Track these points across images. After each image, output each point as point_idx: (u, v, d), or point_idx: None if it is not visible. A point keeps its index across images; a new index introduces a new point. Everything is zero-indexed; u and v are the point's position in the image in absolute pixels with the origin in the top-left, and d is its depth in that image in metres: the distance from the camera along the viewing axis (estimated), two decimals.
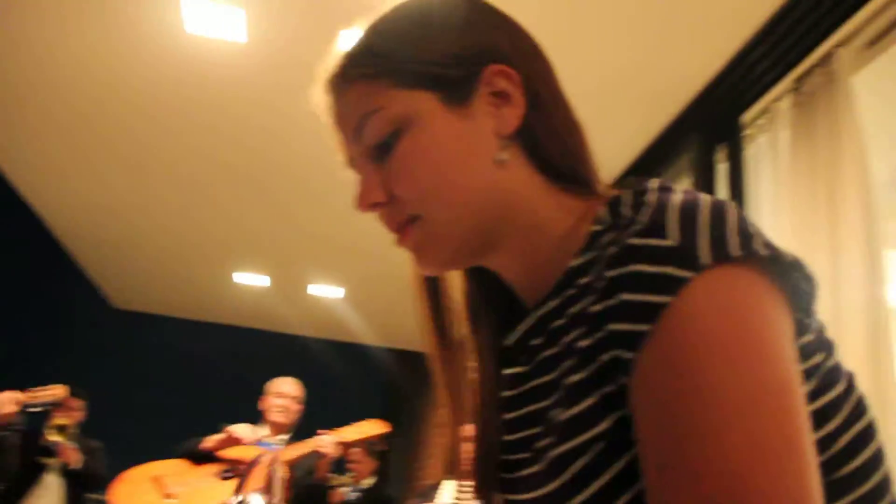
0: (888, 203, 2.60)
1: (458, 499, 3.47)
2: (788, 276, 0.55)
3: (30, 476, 4.01)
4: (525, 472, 0.63)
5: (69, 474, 4.10)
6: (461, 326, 0.74)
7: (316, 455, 3.27)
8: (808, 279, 0.56)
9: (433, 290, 0.75)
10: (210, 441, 3.15)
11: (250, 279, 6.25)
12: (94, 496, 4.21)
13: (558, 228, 0.66)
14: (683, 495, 0.49)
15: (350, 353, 7.29)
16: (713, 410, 0.49)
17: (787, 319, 0.54)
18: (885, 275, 2.11)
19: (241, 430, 3.19)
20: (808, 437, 0.50)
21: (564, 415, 0.58)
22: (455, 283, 0.75)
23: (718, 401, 0.49)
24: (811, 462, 0.49)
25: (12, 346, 5.00)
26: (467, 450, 0.71)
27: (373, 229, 0.74)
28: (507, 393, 0.69)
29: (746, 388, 0.49)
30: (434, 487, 3.87)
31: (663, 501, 0.50)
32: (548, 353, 0.64)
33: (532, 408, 0.65)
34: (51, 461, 4.05)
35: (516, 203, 0.66)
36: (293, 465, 3.19)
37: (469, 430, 0.72)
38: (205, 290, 6.74)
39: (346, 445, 3.36)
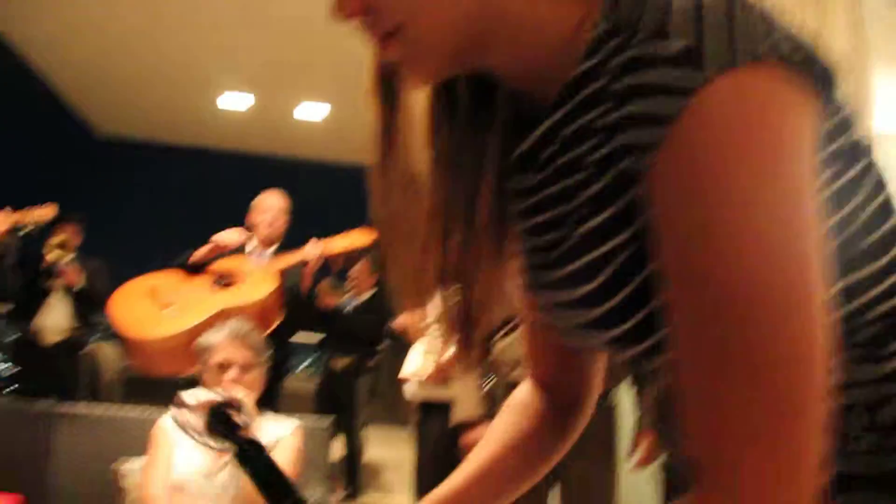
0: None
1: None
2: (810, 68, 0.53)
3: (35, 297, 4.14)
4: (553, 275, 0.65)
5: (73, 294, 4.22)
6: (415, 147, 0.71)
7: (303, 265, 3.39)
8: (828, 67, 0.55)
9: (390, 95, 0.71)
10: (199, 252, 3.24)
11: (235, 99, 6.16)
12: (97, 313, 4.37)
13: (556, 32, 0.62)
14: (696, 297, 0.51)
15: (336, 174, 7.33)
16: (724, 212, 0.50)
17: (809, 119, 0.53)
18: None
19: (225, 235, 3.27)
20: (817, 242, 0.51)
21: (584, 227, 0.59)
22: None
23: (730, 204, 0.50)
24: (817, 267, 0.51)
25: None
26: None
27: (358, 40, 0.70)
28: (521, 204, 0.69)
29: (760, 192, 0.50)
30: None
31: (678, 305, 0.52)
32: (561, 160, 0.63)
33: (552, 213, 0.65)
34: (54, 282, 4.15)
35: (506, 3, 0.62)
36: (283, 274, 3.31)
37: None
38: (189, 113, 6.68)
39: (335, 255, 3.44)
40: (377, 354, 5.47)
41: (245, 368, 2.30)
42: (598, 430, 2.59)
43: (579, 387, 0.86)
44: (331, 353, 5.25)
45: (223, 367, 2.29)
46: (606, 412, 2.65)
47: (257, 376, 2.34)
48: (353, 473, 5.06)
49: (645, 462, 2.64)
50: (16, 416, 2.59)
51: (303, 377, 6.41)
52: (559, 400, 0.87)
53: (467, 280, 0.70)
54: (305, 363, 7.21)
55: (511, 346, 2.61)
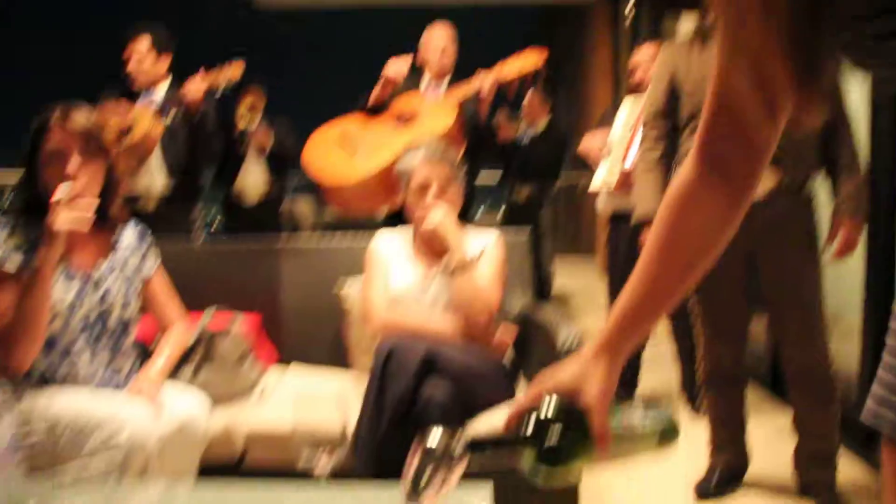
0: None
1: (631, 114, 3.55)
2: None
3: (233, 160, 4.41)
4: None
5: (266, 155, 4.45)
6: None
7: (476, 98, 3.40)
8: None
9: None
10: (375, 92, 3.32)
11: None
12: (290, 171, 4.62)
13: None
14: None
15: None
16: None
17: None
18: None
19: (392, 67, 3.30)
20: None
21: None
22: None
23: None
24: None
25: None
26: None
27: None
28: None
29: None
30: (610, 112, 3.96)
31: None
32: None
33: None
34: (248, 145, 4.39)
35: None
36: (461, 106, 3.35)
37: None
38: None
39: (509, 80, 3.42)
40: (557, 183, 5.51)
41: (444, 185, 2.41)
42: (799, 220, 2.54)
43: (754, 163, 0.89)
44: (511, 186, 5.34)
45: (423, 187, 2.41)
46: (806, 202, 2.57)
47: (456, 192, 2.45)
48: (544, 301, 5.21)
49: (843, 252, 2.57)
50: (249, 251, 2.87)
51: (486, 218, 6.56)
52: (730, 179, 0.89)
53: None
54: (487, 203, 7.37)
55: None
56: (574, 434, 0.83)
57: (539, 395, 0.87)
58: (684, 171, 0.92)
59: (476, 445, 0.83)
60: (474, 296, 2.28)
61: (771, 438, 3.16)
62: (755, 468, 2.85)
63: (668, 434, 0.94)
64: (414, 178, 2.42)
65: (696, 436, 3.30)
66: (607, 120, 3.95)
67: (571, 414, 0.85)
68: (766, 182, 2.46)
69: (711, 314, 2.71)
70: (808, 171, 2.53)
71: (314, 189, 4.09)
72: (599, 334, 0.91)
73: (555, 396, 0.86)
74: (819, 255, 2.57)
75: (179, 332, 2.25)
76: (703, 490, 2.75)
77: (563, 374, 0.89)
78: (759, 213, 2.52)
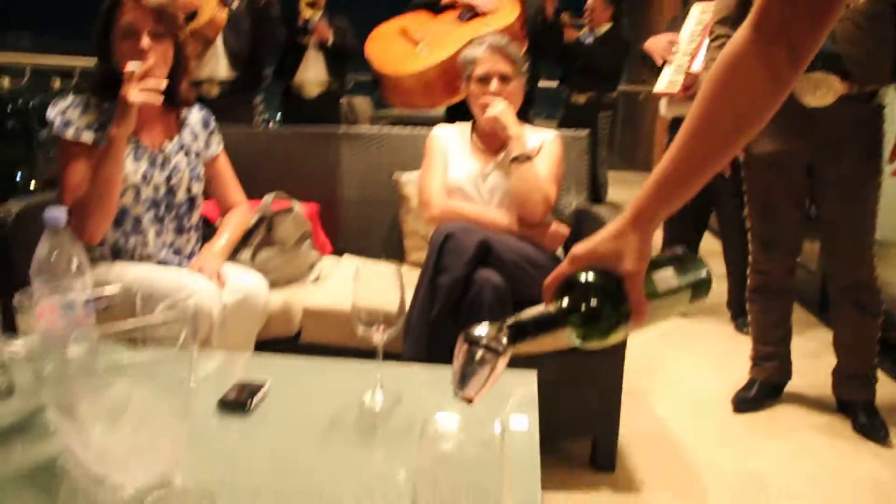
0: None
1: (700, 21, 3.45)
2: None
3: (295, 53, 4.42)
4: None
5: (326, 49, 4.45)
6: None
7: None
8: None
9: None
10: None
11: None
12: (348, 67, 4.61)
13: None
14: None
15: None
16: None
17: None
18: None
19: None
20: None
21: None
22: None
23: None
24: None
25: None
26: None
27: None
28: None
29: None
30: (680, 17, 3.85)
31: None
32: None
33: None
34: (309, 38, 4.39)
35: None
36: (524, 1, 3.29)
37: None
38: None
39: None
40: (616, 90, 5.41)
41: (505, 79, 2.40)
42: (864, 131, 2.48)
43: (810, 33, 0.87)
44: (571, 88, 5.27)
45: (486, 77, 2.41)
46: (874, 112, 2.50)
47: (517, 88, 2.44)
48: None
49: None
50: (309, 137, 2.91)
51: (544, 122, 6.50)
52: (782, 47, 0.88)
53: None
54: (545, 111, 7.27)
55: None
56: (612, 303, 0.86)
57: (576, 265, 0.89)
58: (738, 36, 0.90)
59: (519, 330, 0.83)
60: (532, 188, 2.29)
61: (812, 357, 3.18)
62: (794, 385, 2.89)
63: (701, 287, 0.95)
64: (477, 68, 2.42)
65: (738, 352, 3.35)
66: (676, 25, 3.84)
67: (609, 283, 0.86)
68: (833, 91, 2.40)
69: (767, 223, 2.69)
70: (879, 82, 2.45)
71: (372, 90, 4.08)
72: (634, 202, 0.92)
73: (591, 267, 0.88)
74: (880, 170, 2.52)
75: (241, 214, 2.33)
76: (741, 401, 2.80)
77: (598, 244, 0.90)
78: (824, 123, 2.50)
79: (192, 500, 0.81)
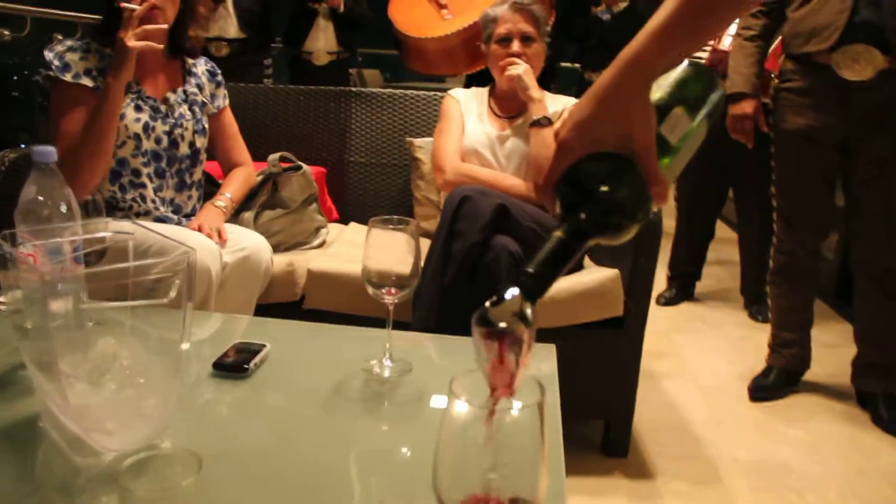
0: None
1: None
2: None
3: (305, 19, 4.31)
4: None
5: (337, 16, 4.33)
6: None
7: None
8: None
9: None
10: None
11: None
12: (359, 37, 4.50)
13: None
14: None
15: None
16: None
17: None
18: None
19: None
20: None
21: None
22: None
23: None
24: None
25: None
26: None
27: None
28: None
29: None
30: None
31: None
32: None
33: None
34: (319, 5, 4.27)
35: None
36: None
37: None
38: None
39: None
40: None
41: (527, 40, 2.28)
42: None
43: None
44: (585, 66, 5.13)
45: (506, 39, 2.28)
46: None
47: (539, 51, 2.32)
48: None
49: None
50: (317, 98, 2.78)
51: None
52: None
53: None
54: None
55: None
56: (628, 192, 0.71)
57: (570, 157, 0.73)
58: None
59: (539, 285, 0.67)
60: (552, 153, 2.17)
61: (830, 347, 3.07)
62: (811, 374, 2.78)
63: (716, 109, 0.79)
64: (498, 27, 2.30)
65: (752, 340, 3.25)
66: None
67: (616, 168, 0.71)
68: (873, 65, 2.28)
69: (795, 201, 2.57)
70: None
71: (382, 63, 3.98)
72: (627, 51, 0.73)
73: (590, 155, 0.72)
74: None
75: (245, 173, 2.22)
76: (757, 389, 2.69)
77: (593, 126, 0.72)
78: (861, 98, 2.38)
79: (178, 464, 0.71)
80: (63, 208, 1.26)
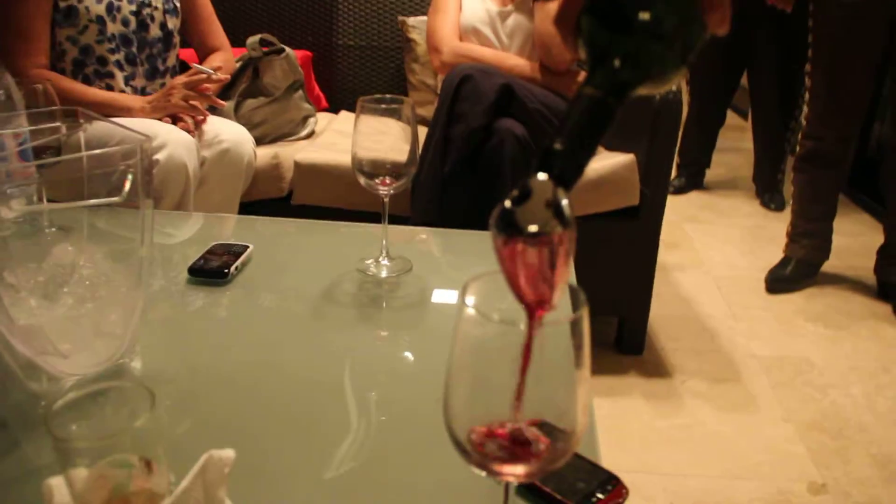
0: None
1: None
2: None
3: None
4: None
5: None
6: None
7: None
8: None
9: None
10: None
11: None
12: None
13: None
14: None
15: None
16: None
17: None
18: None
19: None
20: None
21: None
22: None
23: None
24: None
25: None
26: None
27: None
28: None
29: None
30: None
31: None
32: None
33: None
34: None
35: None
36: None
37: None
38: None
39: None
40: None
41: None
42: None
43: None
44: None
45: None
46: None
47: None
48: None
49: None
50: None
51: None
52: None
53: None
54: None
55: None
56: (673, 14, 0.51)
57: None
58: None
59: (569, 161, 0.48)
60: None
61: (849, 237, 2.93)
62: (830, 265, 2.65)
63: None
64: None
65: (766, 229, 3.12)
66: None
67: None
68: None
69: (834, 82, 2.36)
70: None
71: None
72: None
73: None
74: None
75: (223, 58, 2.01)
76: (775, 280, 2.57)
77: None
78: None
79: (134, 395, 0.57)
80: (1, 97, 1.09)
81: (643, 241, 1.95)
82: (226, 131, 1.80)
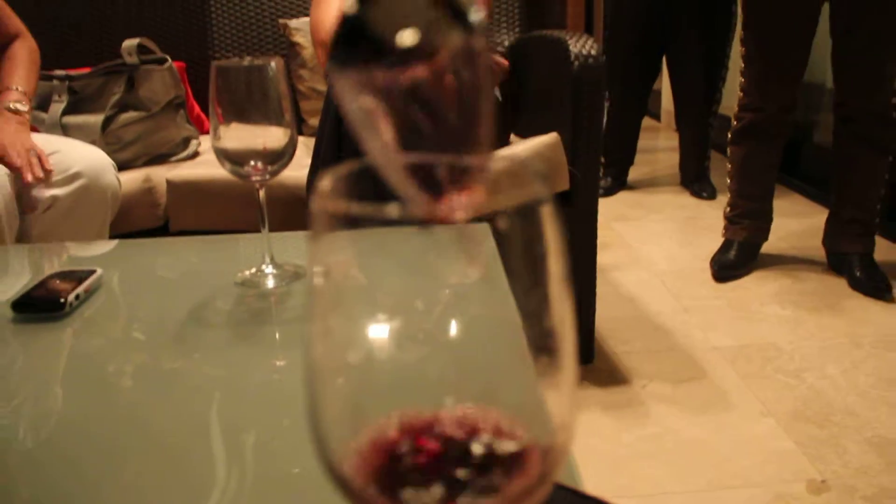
0: None
1: None
2: None
3: None
4: None
5: None
6: None
7: None
8: None
9: None
10: None
11: None
12: None
13: None
14: None
15: None
16: None
17: None
18: None
19: None
20: None
21: None
22: None
23: None
24: None
25: None
26: None
27: None
28: None
29: None
30: None
31: None
32: None
33: None
34: None
35: None
36: None
37: None
38: None
39: None
40: None
41: None
42: None
43: None
44: None
45: None
46: None
47: None
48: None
49: None
50: None
51: None
52: None
53: None
54: None
55: None
56: None
57: None
58: None
59: None
60: None
61: (784, 217, 2.78)
62: (770, 246, 2.49)
63: None
64: None
65: (700, 218, 2.96)
66: None
67: None
68: None
69: (769, 44, 2.20)
70: None
71: None
72: None
73: None
74: None
75: (27, 49, 1.61)
76: (721, 267, 2.37)
77: None
78: None
79: None
80: None
81: (580, 231, 1.72)
82: (79, 160, 1.47)
